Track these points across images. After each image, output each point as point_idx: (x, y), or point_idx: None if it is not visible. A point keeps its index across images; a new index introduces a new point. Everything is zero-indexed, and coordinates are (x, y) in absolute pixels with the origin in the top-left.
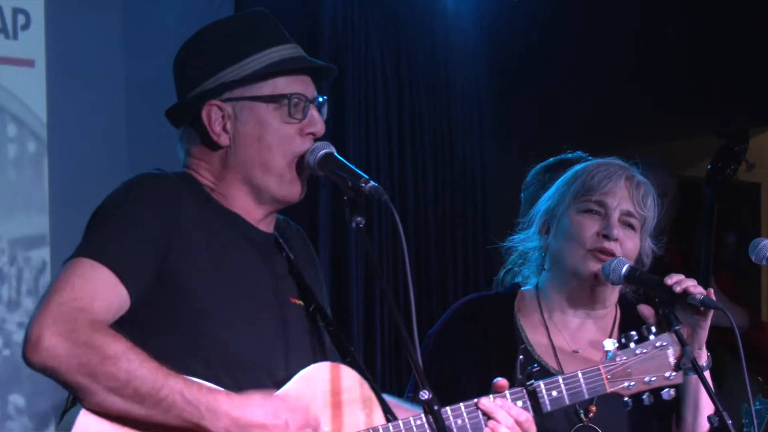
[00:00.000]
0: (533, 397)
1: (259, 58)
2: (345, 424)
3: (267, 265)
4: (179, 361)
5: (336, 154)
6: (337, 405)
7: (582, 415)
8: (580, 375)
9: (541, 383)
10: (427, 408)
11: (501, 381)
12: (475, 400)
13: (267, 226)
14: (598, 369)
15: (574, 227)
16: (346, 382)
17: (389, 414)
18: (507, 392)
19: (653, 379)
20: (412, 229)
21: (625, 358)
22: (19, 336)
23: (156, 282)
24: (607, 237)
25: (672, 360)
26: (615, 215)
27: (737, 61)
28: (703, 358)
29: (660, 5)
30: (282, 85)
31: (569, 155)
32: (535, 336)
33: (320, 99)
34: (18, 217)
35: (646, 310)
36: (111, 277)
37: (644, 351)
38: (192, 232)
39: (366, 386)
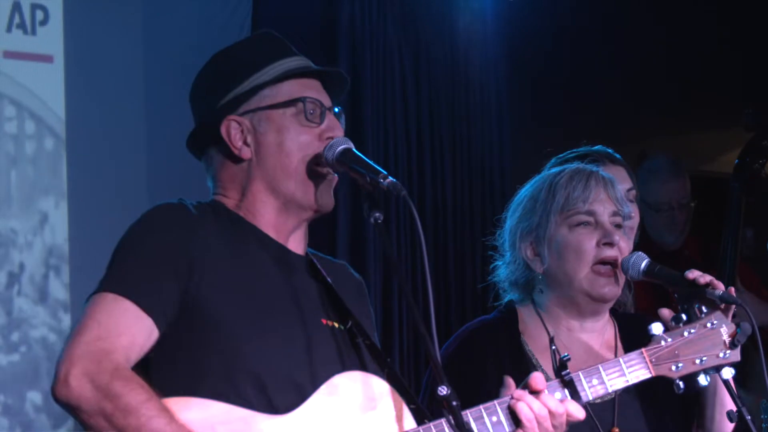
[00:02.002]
0: (571, 387)
1: (270, 69)
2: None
3: (296, 285)
4: (202, 384)
5: (354, 149)
6: (365, 415)
7: None
8: (621, 361)
9: (580, 373)
10: (446, 403)
11: (537, 376)
12: (510, 395)
13: (297, 246)
14: (641, 352)
15: (572, 244)
16: (376, 392)
17: (425, 418)
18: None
19: (704, 358)
20: (430, 224)
21: (670, 340)
22: (37, 333)
23: (181, 308)
24: (609, 244)
25: (726, 338)
26: (607, 221)
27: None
28: None
29: (682, 1)
30: (296, 90)
31: (590, 148)
32: (542, 358)
33: (336, 109)
34: (36, 213)
35: (665, 311)
36: (135, 310)
37: (693, 331)
38: (214, 256)
39: (398, 397)
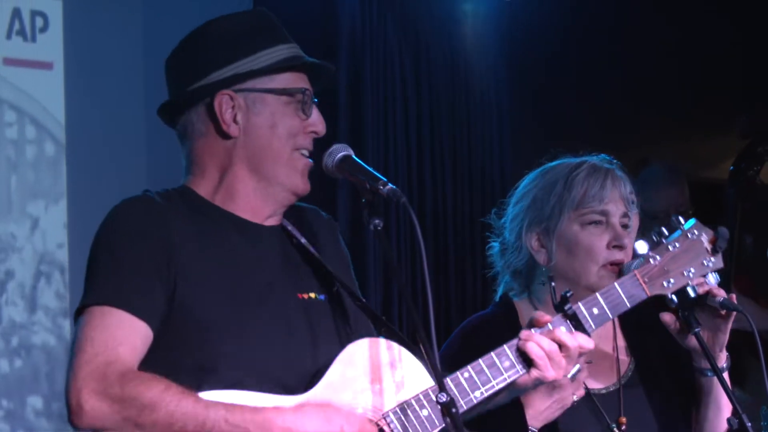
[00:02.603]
0: (574, 320)
1: (270, 53)
2: (392, 396)
3: (274, 262)
4: (190, 378)
5: (354, 156)
6: (381, 379)
7: (615, 429)
8: (617, 285)
9: (580, 304)
10: (446, 410)
11: (541, 314)
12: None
13: (272, 221)
14: (634, 274)
15: (584, 243)
16: (387, 354)
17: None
18: (549, 324)
19: (692, 270)
20: (430, 230)
21: (659, 257)
22: (37, 338)
23: (168, 306)
24: (619, 247)
25: (707, 245)
26: (618, 222)
27: (764, 61)
28: (723, 360)
29: (685, 5)
30: (293, 80)
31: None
32: None
33: (315, 99)
34: (36, 218)
35: (667, 316)
36: (126, 317)
37: (677, 245)
38: (186, 247)
39: (406, 354)
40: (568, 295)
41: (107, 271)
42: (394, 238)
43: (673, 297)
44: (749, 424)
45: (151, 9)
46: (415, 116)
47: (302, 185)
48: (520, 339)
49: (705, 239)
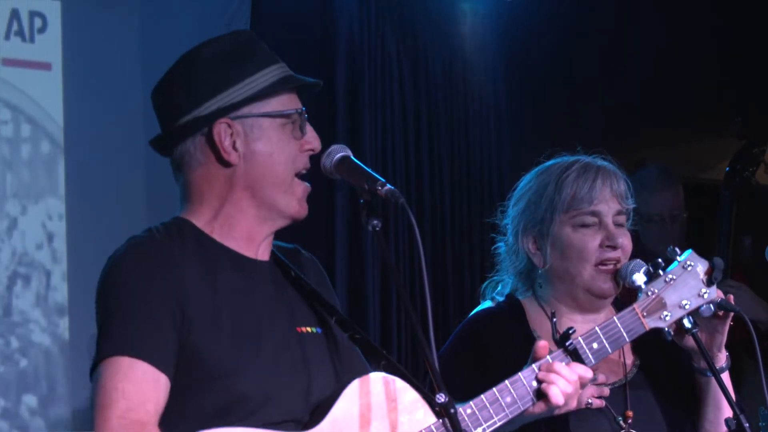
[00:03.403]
0: (575, 355)
1: (263, 76)
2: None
3: (273, 297)
4: (200, 424)
5: (352, 157)
6: (385, 415)
7: (621, 422)
8: (616, 320)
9: (580, 338)
10: (444, 411)
11: (543, 345)
12: (521, 376)
13: (264, 253)
14: (633, 309)
15: (575, 244)
16: (391, 390)
17: (437, 407)
18: (548, 357)
19: (689, 302)
20: (428, 232)
21: (657, 290)
22: (35, 337)
23: (181, 353)
24: (611, 247)
25: (703, 276)
26: (610, 222)
27: (759, 63)
28: (722, 360)
29: (682, 7)
30: (287, 102)
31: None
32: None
33: (303, 108)
34: (33, 218)
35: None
36: (152, 372)
37: (674, 277)
38: (194, 292)
39: (409, 389)
40: (570, 332)
41: (126, 319)
42: (393, 239)
43: (670, 331)
44: (747, 424)
45: (149, 10)
46: (413, 117)
47: (302, 210)
48: (536, 372)
49: (701, 270)
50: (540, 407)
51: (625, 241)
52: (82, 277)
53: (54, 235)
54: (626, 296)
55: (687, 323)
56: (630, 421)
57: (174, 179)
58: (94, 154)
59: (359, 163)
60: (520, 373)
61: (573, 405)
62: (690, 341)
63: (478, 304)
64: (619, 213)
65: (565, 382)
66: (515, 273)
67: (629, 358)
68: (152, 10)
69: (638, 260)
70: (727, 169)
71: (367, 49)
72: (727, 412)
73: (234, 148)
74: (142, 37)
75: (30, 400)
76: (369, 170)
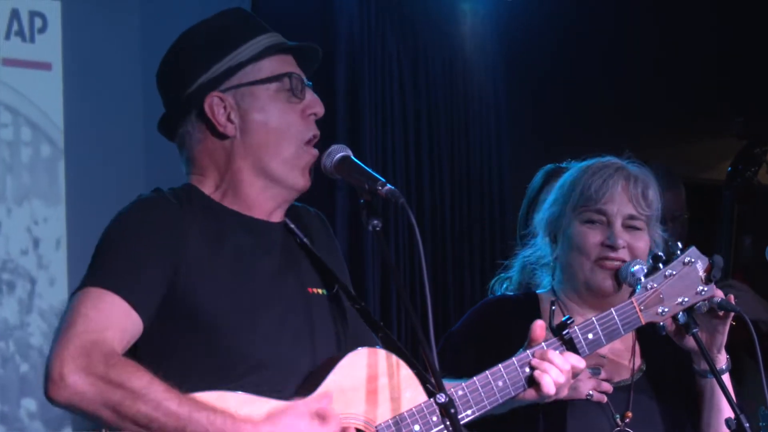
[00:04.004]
0: (570, 345)
1: (251, 45)
2: (385, 408)
3: (281, 259)
4: (200, 377)
5: (352, 157)
6: (376, 391)
7: (618, 420)
8: (613, 312)
9: (576, 328)
10: (444, 411)
11: (539, 328)
12: (521, 355)
13: (275, 217)
14: (631, 302)
15: (578, 239)
16: (384, 366)
17: (430, 385)
18: (543, 344)
19: (686, 299)
20: (428, 232)
21: (655, 284)
22: (33, 340)
23: (167, 303)
24: (611, 247)
25: (702, 273)
26: (618, 222)
27: (760, 63)
28: (722, 361)
29: (682, 7)
30: (278, 66)
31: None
32: None
33: (309, 83)
34: (33, 221)
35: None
36: (122, 304)
37: (673, 272)
38: (197, 246)
39: (403, 365)
40: (569, 321)
41: (112, 257)
42: (393, 238)
43: (665, 325)
44: (747, 425)
45: (149, 10)
46: (413, 117)
47: (302, 181)
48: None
49: (700, 267)
50: (531, 394)
51: (635, 243)
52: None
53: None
54: None
55: (681, 318)
56: (627, 421)
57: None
58: (93, 154)
59: (359, 162)
60: (513, 358)
61: (564, 394)
62: (690, 342)
63: (479, 302)
64: (632, 218)
65: (558, 372)
66: (541, 266)
67: (638, 361)
68: (152, 10)
69: (638, 260)
70: (729, 169)
71: (367, 49)
72: (728, 414)
73: (229, 120)
74: (142, 37)
75: (29, 403)
76: (369, 170)
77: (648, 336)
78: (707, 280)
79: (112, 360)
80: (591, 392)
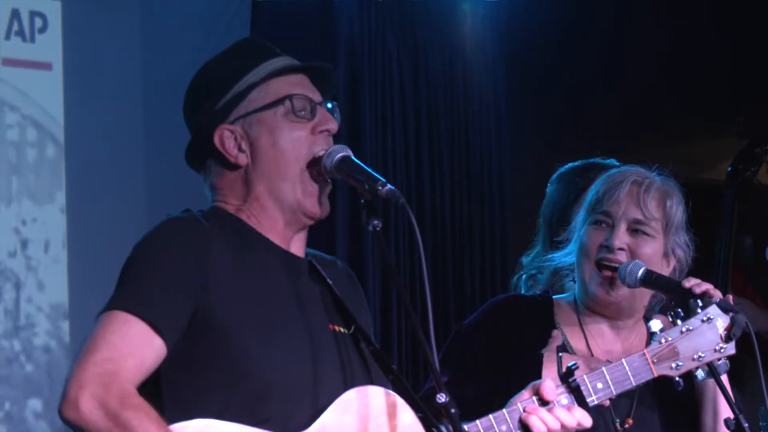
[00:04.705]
0: (577, 392)
1: (256, 72)
2: None
3: (304, 291)
4: (215, 399)
5: (353, 156)
6: (376, 430)
7: (618, 425)
8: (624, 362)
9: (585, 377)
10: (444, 411)
11: (549, 386)
12: (520, 406)
13: (298, 249)
14: (644, 354)
15: (583, 239)
16: (387, 405)
17: (436, 430)
18: (548, 384)
19: (702, 355)
20: (429, 232)
21: (670, 338)
22: (38, 341)
23: (191, 325)
24: (607, 248)
25: (722, 331)
26: (621, 225)
27: (760, 63)
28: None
29: (683, 7)
30: (283, 88)
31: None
32: (574, 340)
33: (329, 105)
34: (36, 220)
35: (661, 319)
36: (147, 330)
37: (690, 328)
38: (224, 269)
39: (407, 408)
40: (574, 367)
41: (141, 280)
42: (393, 239)
43: (680, 380)
44: (746, 425)
45: (149, 10)
46: (413, 117)
47: (319, 207)
48: (523, 411)
49: (721, 325)
50: None
51: (638, 248)
52: (83, 277)
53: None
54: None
55: (699, 375)
56: (627, 427)
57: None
58: (94, 153)
59: (360, 163)
60: (519, 403)
61: None
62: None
63: (479, 302)
64: (638, 222)
65: (553, 419)
66: (569, 271)
67: None
68: (152, 10)
69: (637, 261)
70: (729, 168)
71: (367, 49)
72: (725, 416)
73: (240, 150)
74: (142, 37)
75: (35, 404)
76: (369, 170)
77: None
78: (728, 339)
79: (128, 400)
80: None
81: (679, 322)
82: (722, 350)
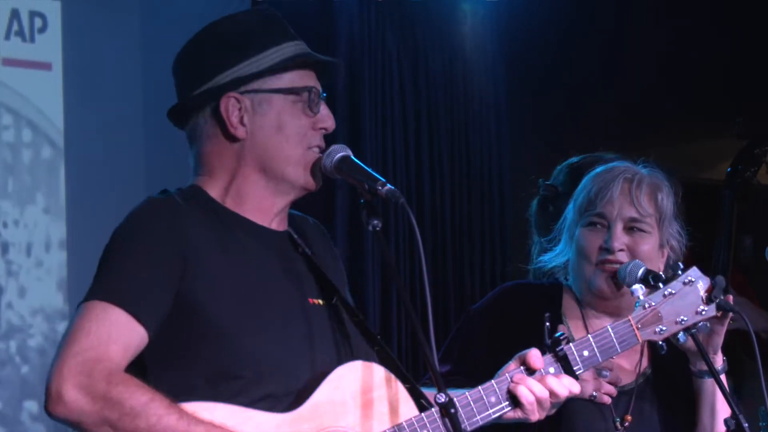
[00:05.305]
0: (564, 361)
1: (275, 52)
2: (377, 422)
3: (284, 267)
4: (205, 382)
5: (353, 156)
6: (368, 404)
7: (618, 424)
8: (609, 329)
9: (572, 345)
10: (444, 411)
11: (534, 357)
12: (508, 376)
13: (279, 224)
14: (628, 320)
15: (580, 242)
16: (376, 379)
17: (424, 401)
18: (534, 356)
19: (685, 318)
20: (428, 232)
21: (654, 303)
22: (35, 342)
23: (173, 311)
24: (608, 250)
25: (703, 294)
26: (618, 226)
27: (760, 63)
28: (719, 362)
29: (683, 7)
30: (298, 78)
31: (575, 159)
32: (577, 332)
33: (323, 94)
34: (34, 221)
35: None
36: (126, 318)
37: (673, 291)
38: (204, 252)
39: (395, 381)
40: (561, 336)
41: (118, 269)
42: (393, 239)
43: (663, 344)
44: (746, 425)
45: (149, 10)
46: (413, 117)
47: (305, 178)
48: (511, 381)
49: (701, 287)
50: (518, 415)
51: (637, 246)
52: (83, 277)
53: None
54: None
55: (681, 338)
56: (627, 424)
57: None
58: (93, 154)
59: (359, 162)
60: (507, 374)
61: (542, 416)
62: (688, 342)
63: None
64: (633, 220)
65: (541, 388)
66: (564, 269)
67: (645, 364)
68: (152, 10)
69: (637, 261)
70: (729, 169)
71: (367, 49)
72: (724, 415)
73: (241, 122)
74: (142, 37)
75: (31, 405)
76: (369, 170)
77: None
78: (708, 300)
79: (115, 378)
80: (595, 393)
81: (660, 285)
82: (704, 312)
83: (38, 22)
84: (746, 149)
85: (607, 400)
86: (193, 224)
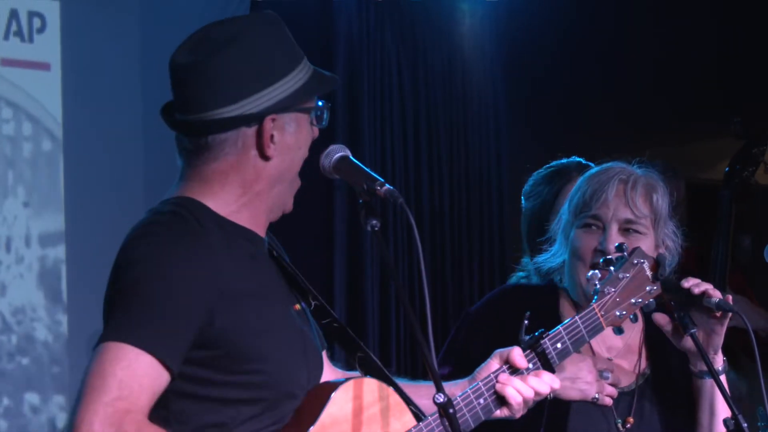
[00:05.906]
0: (543, 357)
1: (301, 71)
2: None
3: (273, 275)
4: (233, 407)
5: (351, 157)
6: (370, 421)
7: (620, 425)
8: (578, 319)
9: (546, 340)
10: (443, 411)
11: (518, 357)
12: (493, 377)
13: (264, 231)
14: (592, 308)
15: (575, 244)
16: (376, 394)
17: (413, 406)
18: (514, 354)
19: (639, 299)
20: (427, 232)
21: (612, 289)
22: (36, 335)
23: (200, 344)
24: (603, 252)
25: (649, 273)
26: (613, 227)
27: (759, 64)
28: (719, 362)
29: (682, 7)
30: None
31: (564, 161)
32: None
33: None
34: (34, 215)
35: (660, 318)
36: (156, 365)
37: (626, 274)
38: (230, 280)
39: (392, 392)
40: (539, 335)
41: (142, 308)
42: (392, 239)
43: (621, 328)
44: (745, 425)
45: (147, 10)
46: (413, 117)
47: (291, 206)
48: (498, 381)
49: (647, 266)
50: (504, 413)
51: (638, 245)
52: (82, 274)
53: None
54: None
55: (633, 319)
56: (629, 426)
57: (180, 159)
58: (93, 154)
59: (358, 162)
60: (492, 374)
61: (523, 413)
62: (688, 342)
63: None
64: (629, 221)
65: (527, 388)
66: (558, 272)
67: (644, 365)
68: (152, 10)
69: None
70: (727, 169)
71: (366, 49)
72: (723, 415)
73: (272, 141)
74: (141, 37)
75: (32, 398)
76: (368, 170)
77: (654, 340)
78: (654, 279)
79: (144, 429)
80: (597, 395)
81: (611, 269)
82: (651, 291)
83: (37, 22)
84: (744, 149)
85: (609, 401)
86: (216, 250)
